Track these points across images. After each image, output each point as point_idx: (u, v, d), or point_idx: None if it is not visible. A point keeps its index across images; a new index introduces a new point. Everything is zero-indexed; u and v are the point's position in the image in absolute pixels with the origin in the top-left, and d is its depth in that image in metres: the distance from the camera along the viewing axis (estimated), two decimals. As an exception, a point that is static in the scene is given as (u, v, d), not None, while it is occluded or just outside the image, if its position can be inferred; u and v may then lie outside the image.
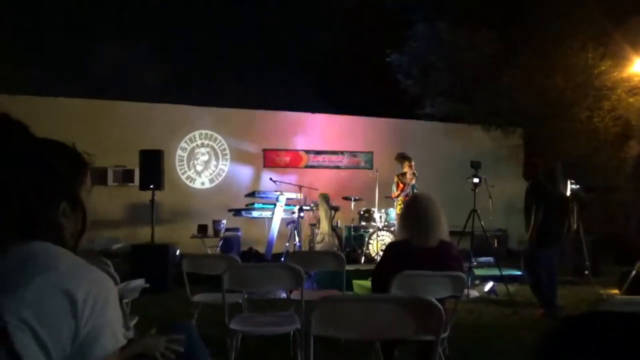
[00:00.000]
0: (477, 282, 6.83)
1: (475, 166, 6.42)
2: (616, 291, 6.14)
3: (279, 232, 8.31)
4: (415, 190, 7.75)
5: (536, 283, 5.38)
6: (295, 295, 3.63)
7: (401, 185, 7.90)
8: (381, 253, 7.90)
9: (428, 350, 1.98)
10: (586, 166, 10.24)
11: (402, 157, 8.05)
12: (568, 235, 7.72)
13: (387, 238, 8.15)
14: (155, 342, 1.79)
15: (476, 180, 6.35)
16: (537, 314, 5.30)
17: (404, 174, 7.98)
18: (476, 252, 7.19)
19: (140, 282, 2.33)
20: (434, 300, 1.79)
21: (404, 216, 3.03)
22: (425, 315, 1.80)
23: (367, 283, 6.56)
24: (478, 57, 10.85)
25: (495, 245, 9.31)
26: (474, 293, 6.25)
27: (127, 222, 9.21)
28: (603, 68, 10.53)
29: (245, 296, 3.77)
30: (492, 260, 7.89)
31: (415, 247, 2.83)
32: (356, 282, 6.79)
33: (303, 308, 2.98)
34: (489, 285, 6.50)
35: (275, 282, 3.01)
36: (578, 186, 7.90)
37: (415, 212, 2.91)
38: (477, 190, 6.47)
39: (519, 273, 6.97)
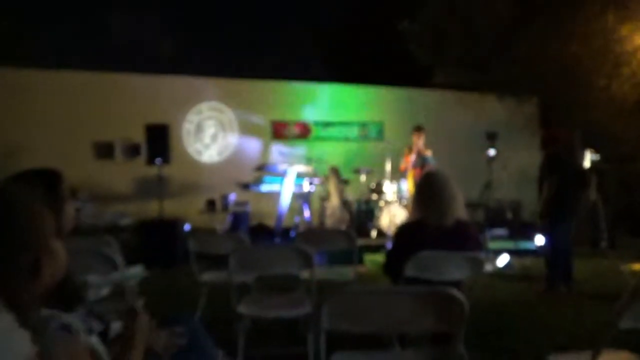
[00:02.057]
0: (490, 255, 6.72)
1: (491, 137, 6.23)
2: (638, 265, 6.01)
3: (288, 206, 8.25)
4: (430, 163, 7.58)
5: (546, 258, 5.27)
6: (305, 274, 3.52)
7: (407, 158, 7.73)
8: (392, 228, 7.87)
9: (444, 335, 1.89)
10: (604, 136, 9.99)
11: (414, 129, 7.86)
12: (585, 208, 7.55)
13: (398, 212, 8.04)
14: (156, 336, 1.69)
15: (492, 152, 6.18)
16: (538, 290, 5.19)
17: (412, 147, 7.82)
18: (490, 224, 7.09)
19: (138, 270, 2.24)
20: (455, 293, 1.66)
21: (417, 195, 2.90)
22: (445, 308, 1.68)
23: (378, 257, 6.50)
24: (493, 24, 10.49)
25: (510, 217, 9.17)
26: (488, 267, 6.14)
27: (135, 197, 9.19)
28: (624, 33, 10.12)
29: (255, 276, 3.68)
30: (506, 233, 7.79)
31: (430, 227, 2.72)
32: (368, 257, 6.73)
33: (313, 290, 2.90)
34: (504, 259, 6.38)
35: (284, 264, 2.92)
36: (597, 156, 7.69)
37: (430, 190, 2.80)
38: (492, 162, 6.30)
39: (534, 246, 6.85)
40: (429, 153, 7.69)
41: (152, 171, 7.39)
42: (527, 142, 10.57)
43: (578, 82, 10.46)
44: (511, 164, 9.18)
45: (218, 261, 3.57)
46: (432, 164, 7.58)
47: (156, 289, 5.02)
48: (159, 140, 7.24)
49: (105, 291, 2.85)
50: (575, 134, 9.95)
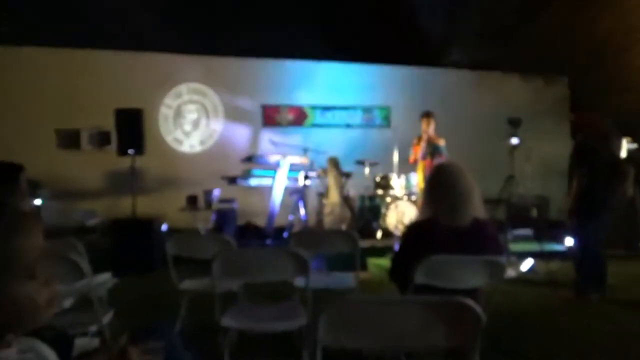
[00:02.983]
0: (513, 259, 6.74)
1: (514, 124, 6.24)
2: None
3: (281, 202, 8.26)
4: (443, 153, 7.58)
5: (576, 261, 5.28)
6: (300, 281, 3.54)
7: (417, 148, 7.72)
8: (400, 228, 7.89)
9: (457, 351, 1.90)
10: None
11: (422, 115, 7.84)
12: (620, 204, 7.56)
13: (407, 209, 8.04)
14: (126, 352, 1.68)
15: (515, 141, 6.18)
16: (566, 297, 5.21)
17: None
18: (513, 223, 7.10)
19: (108, 277, 2.24)
20: (471, 303, 1.66)
21: (428, 190, 2.90)
22: (460, 320, 1.68)
23: (384, 262, 6.51)
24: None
25: (535, 214, 9.18)
26: (510, 272, 6.17)
27: (105, 193, 9.21)
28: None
29: (242, 283, 3.69)
30: (530, 233, 7.80)
31: (442, 227, 2.72)
32: (372, 261, 6.74)
33: (309, 300, 2.90)
34: (528, 264, 6.40)
35: (276, 270, 2.92)
36: (636, 145, 7.70)
37: (442, 185, 2.79)
38: (515, 153, 6.31)
39: (562, 248, 6.87)
40: (441, 142, 7.68)
41: (124, 163, 7.38)
42: (555, 129, 10.58)
43: (612, 60, 10.46)
44: (537, 155, 9.19)
45: (200, 266, 3.56)
46: (445, 155, 7.57)
47: (129, 298, 5.02)
48: (132, 128, 7.22)
49: (69, 302, 2.85)
50: (609, 119, 9.95)
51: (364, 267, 6.45)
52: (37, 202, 7.82)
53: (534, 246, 6.93)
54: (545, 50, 10.59)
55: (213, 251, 3.17)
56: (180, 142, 10.13)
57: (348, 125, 10.81)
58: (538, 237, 6.96)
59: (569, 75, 11.44)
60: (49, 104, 9.16)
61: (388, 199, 8.37)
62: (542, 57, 10.75)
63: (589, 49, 10.45)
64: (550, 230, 8.30)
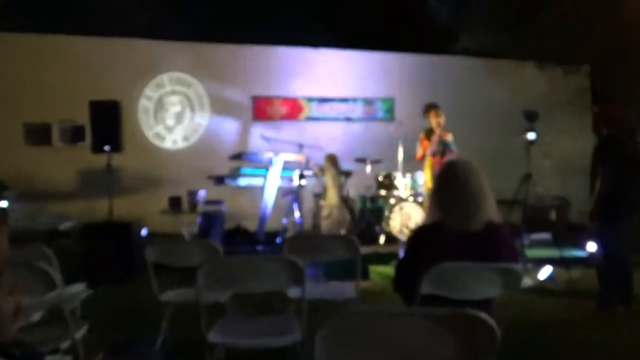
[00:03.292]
0: (529, 266, 6.75)
1: (530, 117, 6.23)
2: None
3: (273, 204, 8.24)
4: (451, 148, 7.58)
5: (599, 269, 5.28)
6: (294, 291, 3.53)
7: (425, 143, 7.72)
8: (406, 232, 7.88)
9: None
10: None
11: (426, 108, 7.84)
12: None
13: (413, 212, 8.04)
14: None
15: (531, 136, 6.19)
16: (588, 309, 5.21)
17: (430, 130, 7.80)
18: (529, 227, 7.11)
19: (79, 288, 2.24)
20: (484, 316, 1.66)
21: (436, 190, 2.90)
22: (471, 335, 1.68)
23: (388, 270, 6.51)
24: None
25: (554, 217, 9.20)
26: (526, 281, 6.17)
27: (79, 194, 9.18)
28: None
29: (230, 293, 3.69)
30: (549, 238, 7.81)
31: (452, 231, 2.72)
32: (374, 269, 6.74)
33: (305, 312, 2.89)
34: (546, 271, 6.41)
35: (268, 279, 2.92)
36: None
37: (452, 185, 2.79)
38: (531, 149, 6.31)
39: (584, 254, 6.87)
40: (449, 137, 7.69)
41: (100, 161, 7.36)
42: (576, 123, 10.61)
43: (637, 48, 10.48)
44: (556, 151, 9.19)
45: (184, 275, 3.55)
46: (455, 151, 7.57)
47: (105, 311, 5.00)
48: (109, 121, 7.20)
49: (38, 316, 2.84)
50: (635, 112, 9.98)
51: (365, 275, 6.44)
52: (3, 204, 7.79)
53: (552, 252, 6.92)
54: (565, 36, 10.60)
55: (198, 258, 3.17)
56: (161, 137, 10.11)
57: (348, 119, 10.81)
58: (557, 242, 6.95)
59: (591, 64, 11.45)
60: (16, 95, 9.12)
61: (392, 200, 8.35)
62: (560, 43, 10.75)
63: (612, 36, 10.47)
64: (570, 234, 8.30)
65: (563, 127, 10.22)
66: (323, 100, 10.73)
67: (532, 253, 7.10)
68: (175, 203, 7.91)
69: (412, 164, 8.38)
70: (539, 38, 10.78)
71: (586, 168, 5.50)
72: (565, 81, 11.32)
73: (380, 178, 8.61)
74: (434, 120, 7.66)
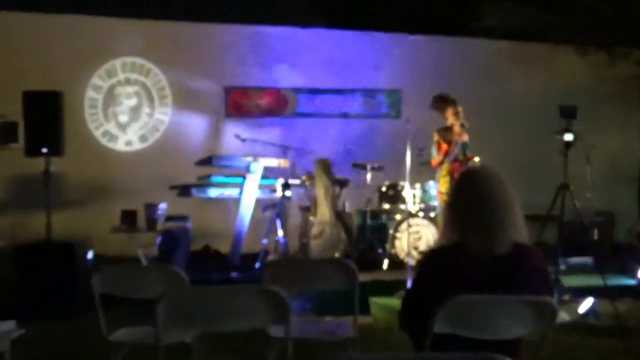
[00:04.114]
0: (566, 297, 6.78)
1: (569, 114, 6.26)
2: None
3: (251, 220, 8.23)
4: (467, 152, 7.61)
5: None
6: (277, 330, 3.53)
7: (444, 146, 7.75)
8: (415, 254, 7.88)
9: None
10: None
11: (441, 102, 7.87)
12: None
13: (424, 230, 8.05)
14: None
15: (569, 137, 6.21)
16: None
17: (447, 129, 7.82)
18: (566, 248, 7.13)
19: (8, 326, 2.22)
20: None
21: (453, 205, 2.91)
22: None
23: (393, 303, 6.50)
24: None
25: (596, 237, 9.24)
26: (563, 316, 6.18)
27: (9, 206, 9.14)
28: None
29: (198, 332, 3.68)
30: (590, 262, 7.83)
31: (472, 256, 2.72)
32: (375, 301, 6.74)
33: (290, 355, 2.89)
34: (587, 304, 6.44)
35: (245, 315, 2.91)
36: None
37: (472, 199, 2.81)
38: (569, 153, 6.34)
39: (634, 281, 6.91)
40: (465, 137, 7.72)
41: (36, 166, 7.33)
42: (624, 121, 10.67)
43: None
44: (599, 155, 9.21)
45: (140, 309, 3.54)
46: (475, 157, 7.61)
47: (41, 354, 4.98)
48: (47, 117, 7.17)
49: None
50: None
51: (364, 309, 6.44)
52: None
53: (595, 280, 6.94)
54: (611, 14, 10.66)
55: (158, 288, 3.16)
56: (113, 137, 10.08)
57: (343, 115, 10.83)
58: (601, 268, 6.96)
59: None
60: None
61: (398, 216, 8.36)
62: (605, 23, 10.82)
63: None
64: (617, 258, 8.33)
65: (609, 126, 10.29)
66: (313, 91, 10.75)
67: (569, 281, 7.11)
68: (129, 219, 7.90)
69: (423, 172, 8.39)
70: (580, 16, 10.83)
71: (636, 177, 5.52)
72: (611, 69, 11.37)
73: (384, 188, 8.61)
74: (453, 119, 7.68)
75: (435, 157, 7.88)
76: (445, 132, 7.82)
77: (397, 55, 11.00)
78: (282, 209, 8.23)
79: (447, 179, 7.69)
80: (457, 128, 7.72)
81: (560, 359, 5.09)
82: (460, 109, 7.77)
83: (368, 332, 5.56)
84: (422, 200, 8.46)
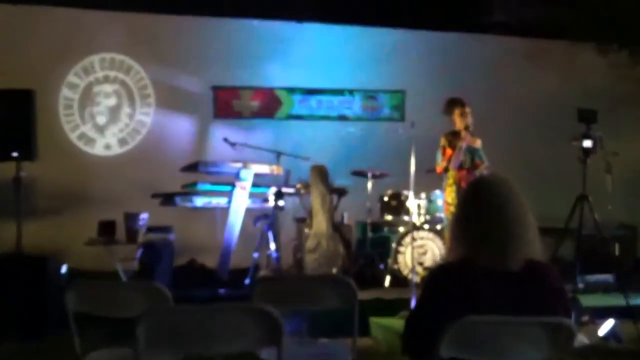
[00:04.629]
0: (585, 318, 6.78)
1: (587, 118, 6.28)
2: None
3: (241, 232, 8.21)
4: (481, 159, 7.61)
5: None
6: (268, 353, 3.53)
7: (449, 151, 7.75)
8: (420, 271, 7.88)
9: None
10: None
11: (450, 104, 7.88)
12: None
13: (430, 244, 8.05)
14: None
15: (588, 143, 6.23)
16: None
17: (455, 133, 7.83)
18: (585, 265, 7.14)
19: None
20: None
21: (462, 217, 2.92)
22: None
23: (395, 323, 6.49)
24: None
25: (617, 252, 9.25)
26: (581, 339, 6.19)
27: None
28: None
29: (182, 355, 3.67)
30: (611, 280, 7.85)
31: (482, 273, 2.73)
32: (376, 321, 6.73)
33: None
34: (607, 325, 6.44)
35: (234, 336, 2.89)
36: None
37: (482, 211, 2.81)
38: (588, 161, 6.35)
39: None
40: (477, 143, 7.72)
41: (5, 171, 7.33)
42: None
43: None
44: (621, 163, 9.23)
45: (119, 329, 3.53)
46: (485, 163, 7.61)
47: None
48: (18, 118, 7.15)
49: None
50: None
51: (364, 331, 6.44)
52: None
53: (616, 299, 6.96)
54: (633, 9, 10.69)
55: (138, 307, 3.14)
56: (90, 140, 10.07)
57: (342, 118, 10.85)
58: (622, 286, 6.97)
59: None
60: None
61: (401, 229, 8.37)
62: (628, 19, 10.85)
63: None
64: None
65: (631, 132, 10.31)
66: (309, 92, 10.78)
67: (588, 300, 7.12)
68: (107, 230, 7.89)
69: (429, 180, 8.40)
70: (600, 10, 10.86)
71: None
72: (634, 69, 11.40)
73: (386, 198, 8.63)
74: (459, 121, 7.69)
75: (440, 163, 7.88)
76: (454, 136, 7.82)
77: (400, 52, 11.02)
78: (274, 220, 8.21)
79: (454, 187, 7.69)
80: (462, 131, 7.73)
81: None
82: (468, 110, 7.77)
83: (368, 356, 5.57)
84: (428, 211, 8.46)
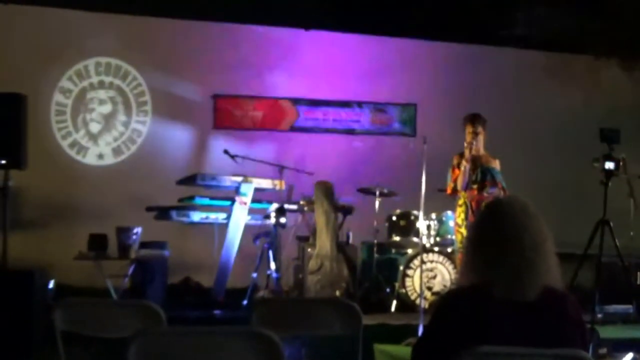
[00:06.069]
0: (604, 351, 6.76)
1: (610, 138, 6.28)
2: None
3: (239, 250, 8.21)
4: (497, 180, 7.61)
5: None
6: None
7: (456, 171, 7.73)
8: (429, 296, 7.86)
9: None
10: None
11: (463, 120, 7.86)
12: None
13: (440, 267, 8.04)
14: None
15: (610, 165, 6.22)
16: None
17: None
18: (605, 294, 7.13)
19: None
20: None
21: (475, 241, 2.90)
22: None
23: (401, 351, 6.47)
24: None
25: (639, 281, 9.24)
26: (600, 373, 6.19)
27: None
28: None
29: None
30: (631, 310, 7.83)
31: (496, 300, 2.72)
32: (381, 348, 6.70)
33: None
34: (627, 359, 6.42)
35: (230, 361, 2.89)
36: None
37: (497, 235, 2.80)
38: (610, 184, 6.35)
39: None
40: (495, 164, 7.72)
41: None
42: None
43: None
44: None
45: (109, 350, 3.53)
46: (502, 185, 7.60)
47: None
48: (7, 124, 7.14)
49: None
50: None
51: (368, 358, 6.41)
52: None
53: (637, 331, 6.95)
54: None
55: (129, 327, 3.14)
56: (83, 149, 10.09)
57: (349, 131, 10.87)
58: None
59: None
60: None
61: (410, 251, 8.35)
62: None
63: None
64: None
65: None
66: (315, 103, 10.79)
67: (607, 332, 7.09)
68: (98, 244, 7.89)
69: (440, 200, 8.39)
70: (626, 24, 10.87)
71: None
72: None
73: (394, 218, 8.61)
74: (469, 138, 7.66)
75: (449, 183, 7.87)
76: (461, 156, 7.80)
77: (412, 63, 11.03)
78: (275, 239, 8.21)
79: (463, 208, 7.66)
80: (466, 151, 7.70)
81: None
82: (475, 129, 7.69)
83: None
84: (438, 233, 8.44)
